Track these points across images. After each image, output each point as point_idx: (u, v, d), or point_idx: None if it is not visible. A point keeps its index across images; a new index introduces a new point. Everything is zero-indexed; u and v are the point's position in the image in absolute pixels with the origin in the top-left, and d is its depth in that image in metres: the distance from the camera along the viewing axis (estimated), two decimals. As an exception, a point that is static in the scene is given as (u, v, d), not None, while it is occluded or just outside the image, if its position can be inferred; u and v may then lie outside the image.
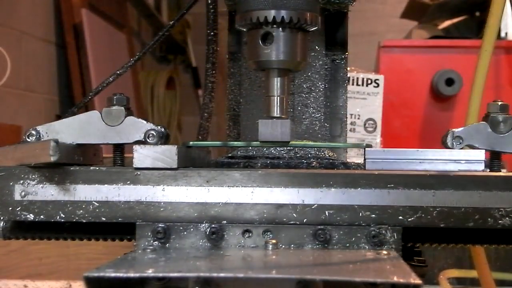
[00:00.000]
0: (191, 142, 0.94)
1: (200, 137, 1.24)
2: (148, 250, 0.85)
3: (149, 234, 0.87)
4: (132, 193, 0.87)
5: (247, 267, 0.78)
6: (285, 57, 0.89)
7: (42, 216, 0.88)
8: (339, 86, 1.10)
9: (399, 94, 2.43)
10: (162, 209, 0.87)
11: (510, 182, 0.86)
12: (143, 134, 0.90)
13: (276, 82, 0.90)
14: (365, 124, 2.06)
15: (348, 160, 1.06)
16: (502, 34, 2.72)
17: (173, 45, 4.99)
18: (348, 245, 0.86)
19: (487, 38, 1.50)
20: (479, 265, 1.44)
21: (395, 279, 0.70)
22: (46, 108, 3.22)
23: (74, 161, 0.91)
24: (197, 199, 0.87)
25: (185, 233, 0.87)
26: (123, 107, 0.91)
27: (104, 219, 0.88)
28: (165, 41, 4.24)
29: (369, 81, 2.06)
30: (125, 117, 0.91)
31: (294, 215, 0.86)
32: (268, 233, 0.87)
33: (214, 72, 1.22)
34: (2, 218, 0.89)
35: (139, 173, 0.87)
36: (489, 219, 0.86)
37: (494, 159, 0.94)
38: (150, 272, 0.72)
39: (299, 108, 1.07)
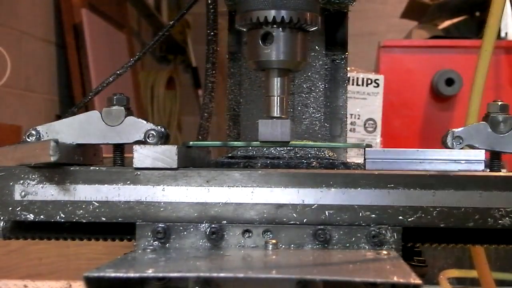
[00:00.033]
0: (191, 142, 0.94)
1: (200, 137, 1.24)
2: (148, 250, 0.85)
3: (149, 234, 0.87)
4: (132, 193, 0.87)
5: (247, 267, 0.78)
6: (285, 57, 0.88)
7: (42, 216, 0.88)
8: (339, 86, 1.10)
9: (399, 94, 2.42)
10: (162, 209, 0.87)
11: (510, 182, 0.86)
12: (143, 134, 0.90)
13: (276, 82, 0.90)
14: (365, 124, 2.06)
15: (348, 160, 1.06)
16: (502, 34, 2.71)
17: (173, 45, 4.99)
18: (348, 245, 0.86)
19: (487, 38, 1.50)
20: (479, 265, 1.44)
21: (395, 279, 0.70)
22: (46, 108, 3.22)
23: (74, 161, 0.90)
24: (197, 199, 0.87)
25: (185, 233, 0.87)
26: (123, 107, 0.91)
27: (104, 219, 0.88)
28: (165, 41, 4.24)
29: (369, 81, 2.06)
30: (125, 117, 0.91)
31: (294, 215, 0.86)
32: (268, 233, 0.87)
33: (214, 72, 1.22)
34: (2, 218, 0.89)
35: (139, 173, 0.87)
36: (489, 219, 0.85)
37: (494, 159, 0.93)
38: (150, 272, 0.72)
39: (299, 108, 1.07)
